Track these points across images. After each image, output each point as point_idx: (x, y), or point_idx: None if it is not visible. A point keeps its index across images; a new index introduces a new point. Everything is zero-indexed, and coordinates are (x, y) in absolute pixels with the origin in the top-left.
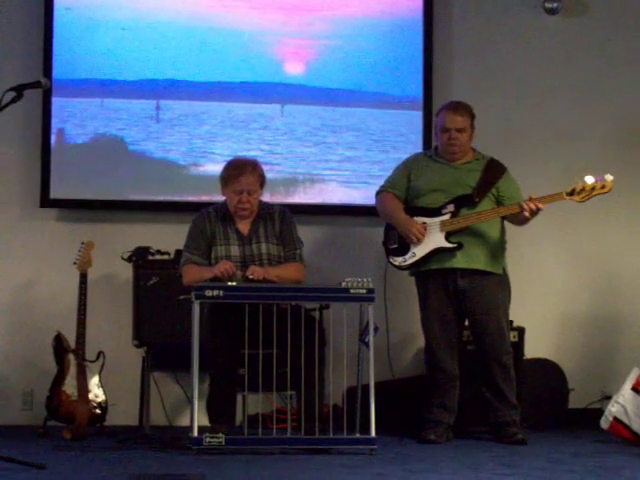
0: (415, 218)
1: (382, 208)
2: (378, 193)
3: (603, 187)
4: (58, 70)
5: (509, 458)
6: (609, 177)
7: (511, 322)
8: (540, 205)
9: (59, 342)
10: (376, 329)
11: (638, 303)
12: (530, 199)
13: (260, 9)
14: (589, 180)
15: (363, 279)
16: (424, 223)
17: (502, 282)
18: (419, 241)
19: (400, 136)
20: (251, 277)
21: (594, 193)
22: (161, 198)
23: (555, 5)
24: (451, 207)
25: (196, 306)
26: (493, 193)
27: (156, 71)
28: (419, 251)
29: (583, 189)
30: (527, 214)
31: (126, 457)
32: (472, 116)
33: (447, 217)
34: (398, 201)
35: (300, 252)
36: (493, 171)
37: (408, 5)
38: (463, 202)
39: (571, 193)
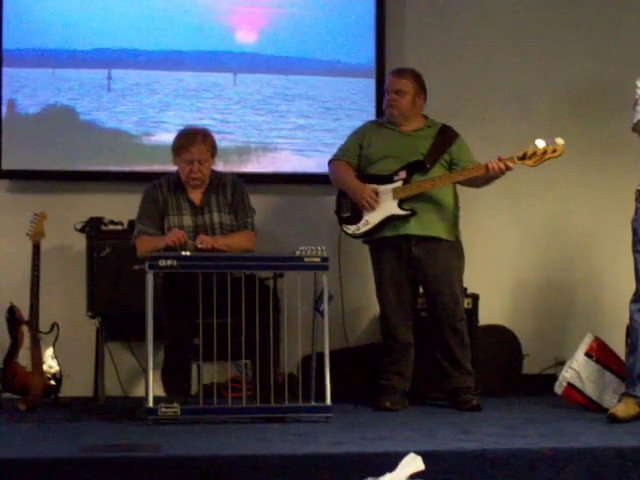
0: (367, 186)
1: (334, 176)
2: (330, 162)
3: (554, 151)
4: (8, 40)
5: (464, 424)
6: (560, 141)
7: (465, 289)
8: (510, 164)
9: (12, 314)
10: (330, 298)
11: (591, 269)
12: (500, 159)
13: None
14: (540, 144)
15: (317, 248)
16: (376, 191)
17: (456, 249)
18: (371, 207)
19: (353, 104)
20: (200, 246)
21: (546, 157)
22: (113, 168)
23: None
24: (403, 174)
25: (150, 276)
26: (445, 159)
27: (107, 40)
28: (372, 219)
29: (534, 153)
30: (495, 173)
31: (81, 428)
32: (418, 82)
33: (399, 184)
34: (350, 169)
35: (251, 220)
36: (445, 137)
37: None
38: (415, 168)
39: (522, 157)
